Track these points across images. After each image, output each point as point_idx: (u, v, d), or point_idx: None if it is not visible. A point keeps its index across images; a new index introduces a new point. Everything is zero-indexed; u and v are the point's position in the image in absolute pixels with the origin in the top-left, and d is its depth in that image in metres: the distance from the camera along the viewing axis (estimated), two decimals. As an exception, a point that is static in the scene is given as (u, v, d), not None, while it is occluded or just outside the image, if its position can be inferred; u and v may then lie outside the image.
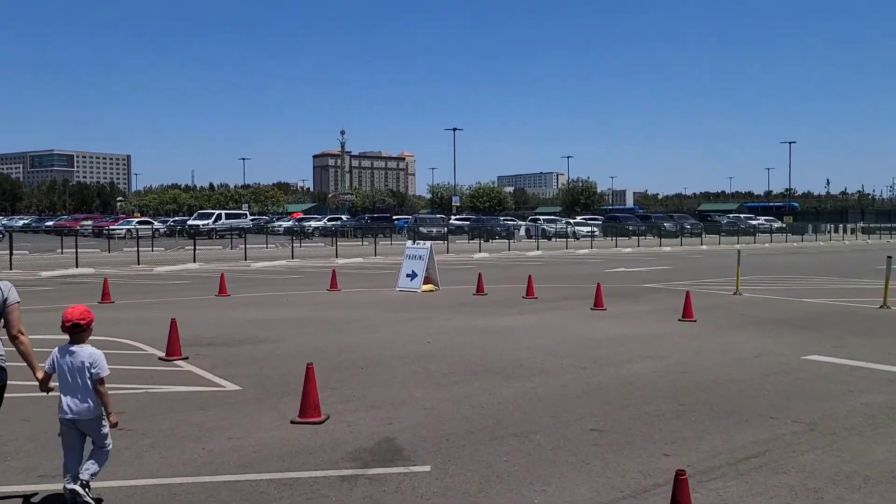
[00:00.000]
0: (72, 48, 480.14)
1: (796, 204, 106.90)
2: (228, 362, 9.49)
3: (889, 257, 15.63)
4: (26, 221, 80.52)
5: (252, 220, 69.94)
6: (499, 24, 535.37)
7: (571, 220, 63.16)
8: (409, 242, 19.13)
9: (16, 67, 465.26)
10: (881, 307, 14.89)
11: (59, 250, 33.13)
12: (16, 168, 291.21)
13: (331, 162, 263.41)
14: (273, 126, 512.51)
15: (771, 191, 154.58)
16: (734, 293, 17.45)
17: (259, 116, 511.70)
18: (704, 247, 44.58)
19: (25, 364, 4.75)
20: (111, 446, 4.89)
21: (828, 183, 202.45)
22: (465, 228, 56.26)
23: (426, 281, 18.08)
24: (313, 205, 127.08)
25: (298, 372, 8.73)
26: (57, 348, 4.74)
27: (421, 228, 49.42)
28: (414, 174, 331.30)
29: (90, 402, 4.65)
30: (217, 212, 62.15)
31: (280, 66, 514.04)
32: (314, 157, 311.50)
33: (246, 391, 8.03)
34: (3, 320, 4.65)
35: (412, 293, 17.59)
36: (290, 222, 64.47)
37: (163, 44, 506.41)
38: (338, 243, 34.87)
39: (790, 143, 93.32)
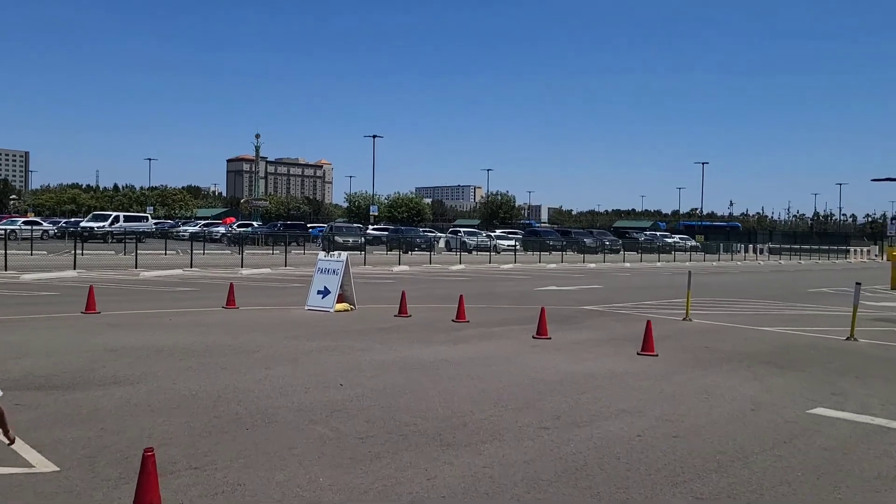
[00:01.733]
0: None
1: (738, 224, 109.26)
2: (58, 419, 6.77)
3: (858, 283, 14.22)
4: None
5: (155, 223, 65.24)
6: (420, 25, 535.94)
7: (492, 234, 61.66)
8: (321, 254, 16.50)
9: None
10: (848, 339, 13.40)
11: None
12: None
13: (245, 167, 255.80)
14: (186, 129, 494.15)
15: (678, 210, 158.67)
16: (684, 318, 15.74)
17: (171, 118, 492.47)
18: (627, 264, 43.68)
19: None
20: None
21: (731, 204, 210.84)
22: (384, 239, 53.76)
23: (340, 299, 15.56)
24: (224, 210, 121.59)
25: (153, 437, 6.15)
26: None
27: (337, 238, 46.69)
28: (331, 182, 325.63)
29: None
30: (114, 214, 57.36)
31: (195, 67, 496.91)
32: (228, 161, 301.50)
33: (66, 474, 5.39)
34: None
35: (324, 313, 15.05)
36: (224, 228, 59.69)
37: (71, 36, 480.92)
38: (244, 252, 31.74)
39: (703, 163, 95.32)
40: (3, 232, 46.64)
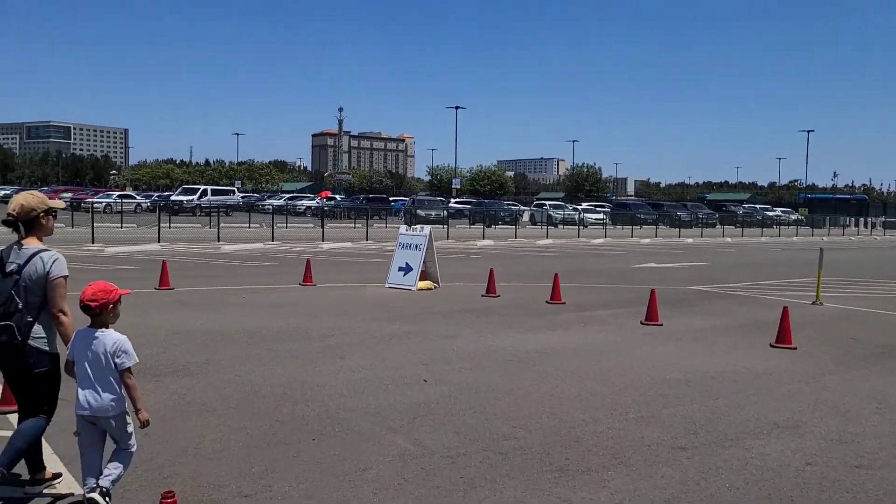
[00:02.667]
0: (74, 21, 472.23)
1: (865, 196, 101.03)
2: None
3: None
4: (7, 192, 76.46)
5: (242, 197, 66.07)
6: (503, 3, 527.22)
7: (578, 207, 59.37)
8: (403, 228, 15.31)
9: (16, 37, 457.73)
10: None
11: None
12: (11, 138, 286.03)
13: (329, 141, 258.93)
14: (273, 105, 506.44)
15: (776, 182, 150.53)
16: (813, 302, 13.75)
17: (259, 95, 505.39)
18: (728, 239, 40.86)
19: None
20: (136, 447, 4.10)
21: (835, 175, 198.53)
22: (466, 213, 52.49)
23: (423, 276, 14.36)
24: (309, 184, 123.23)
25: (201, 448, 5.05)
26: (76, 332, 3.93)
27: (419, 211, 45.69)
28: (413, 156, 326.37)
29: (113, 396, 3.87)
30: (203, 187, 58.26)
31: (281, 44, 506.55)
32: (313, 136, 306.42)
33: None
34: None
35: (405, 291, 13.89)
36: (316, 202, 59.68)
37: (165, 20, 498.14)
38: (325, 225, 31.07)
39: (808, 131, 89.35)
40: (104, 206, 48.40)
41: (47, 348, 4.04)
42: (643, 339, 9.84)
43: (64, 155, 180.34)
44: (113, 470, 3.93)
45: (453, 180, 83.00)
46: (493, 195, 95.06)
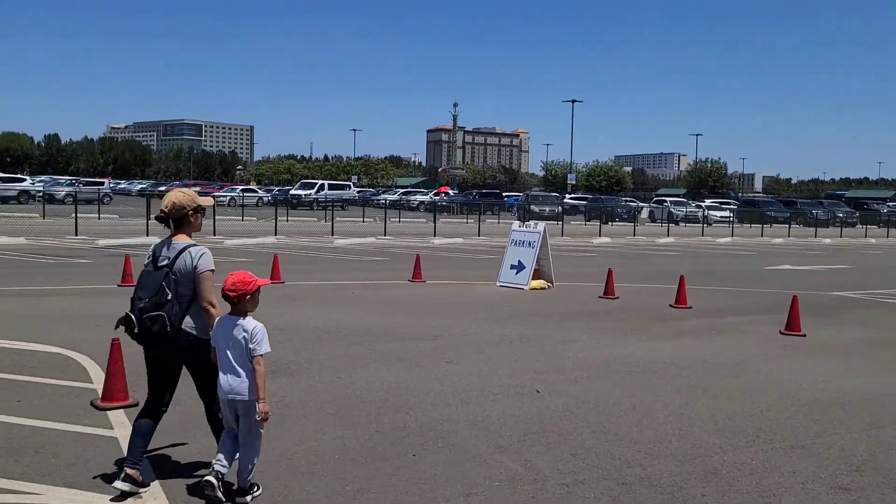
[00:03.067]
0: (209, 22, 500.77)
1: None
2: (190, 423, 5.54)
3: None
4: (143, 186, 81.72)
5: (358, 191, 67.39)
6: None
7: (702, 204, 56.51)
8: (516, 224, 14.68)
9: (156, 39, 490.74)
10: None
11: (149, 216, 31.05)
12: (150, 136, 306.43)
13: (444, 137, 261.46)
14: (390, 101, 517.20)
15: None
16: (985, 315, 12.02)
17: (377, 92, 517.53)
18: (872, 240, 37.49)
19: None
20: (261, 441, 4.18)
21: None
22: (582, 209, 51.13)
23: (536, 275, 13.69)
24: (423, 179, 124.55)
25: (294, 461, 4.67)
26: (218, 319, 4.11)
27: (532, 207, 44.82)
28: (527, 151, 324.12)
29: (250, 381, 4.04)
30: (320, 182, 59.82)
31: (399, 39, 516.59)
32: (428, 131, 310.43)
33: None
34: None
35: (517, 291, 13.27)
36: (431, 196, 59.98)
37: (285, 20, 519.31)
38: (437, 220, 30.89)
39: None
40: (228, 199, 50.68)
41: (199, 335, 4.19)
42: (784, 352, 8.77)
43: (195, 151, 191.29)
44: (241, 462, 4.12)
45: (568, 176, 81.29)
46: (610, 191, 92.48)
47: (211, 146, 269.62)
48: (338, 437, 5.29)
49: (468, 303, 11.80)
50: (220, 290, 4.13)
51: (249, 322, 4.10)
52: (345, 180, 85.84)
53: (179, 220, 4.24)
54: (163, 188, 70.20)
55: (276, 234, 24.89)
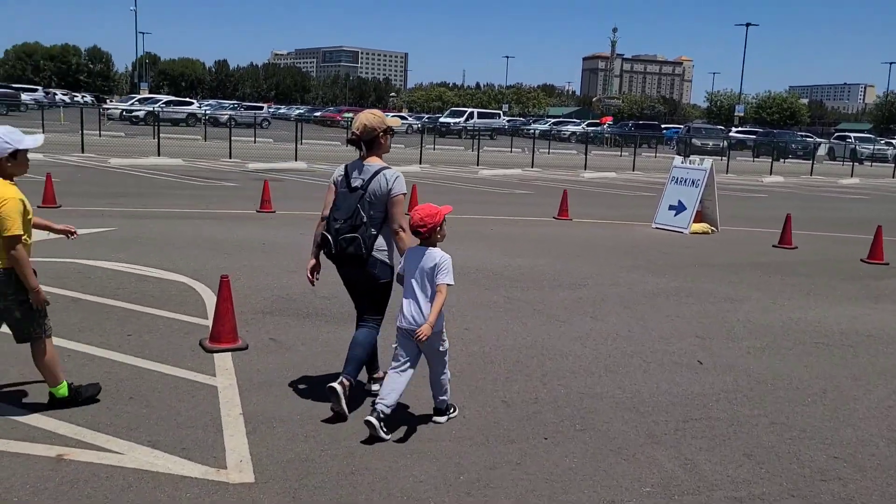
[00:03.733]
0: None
1: None
2: (293, 368, 5.00)
3: None
4: (301, 111, 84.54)
5: (508, 121, 65.95)
6: None
7: (893, 141, 50.27)
8: (677, 159, 13.10)
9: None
10: None
11: (300, 142, 31.77)
12: (310, 62, 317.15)
13: (600, 65, 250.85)
14: (545, 28, 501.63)
15: None
16: None
17: (531, 19, 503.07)
18: None
19: None
20: (448, 375, 4.23)
21: None
22: (750, 143, 46.94)
23: (698, 217, 12.19)
24: (576, 109, 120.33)
25: (403, 437, 3.94)
26: (408, 249, 4.14)
27: (694, 140, 41.63)
28: (690, 81, 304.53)
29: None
30: (469, 110, 58.90)
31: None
32: (584, 59, 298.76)
33: (262, 487, 3.45)
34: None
35: (675, 234, 11.88)
36: (599, 128, 57.53)
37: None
38: (589, 153, 29.21)
39: None
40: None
41: (388, 261, 4.24)
42: None
43: (351, 78, 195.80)
44: (435, 384, 4.20)
45: (736, 107, 75.01)
46: (783, 125, 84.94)
47: (366, 73, 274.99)
48: (459, 405, 4.53)
49: (618, 246, 10.62)
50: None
51: (436, 253, 4.05)
52: (496, 109, 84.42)
53: (370, 141, 4.22)
54: (317, 113, 72.24)
55: (420, 163, 24.43)
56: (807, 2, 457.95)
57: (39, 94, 57.62)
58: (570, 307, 7.00)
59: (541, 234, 11.39)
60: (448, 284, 4.02)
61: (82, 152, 21.02)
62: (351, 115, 65.53)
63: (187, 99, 55.30)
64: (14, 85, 58.09)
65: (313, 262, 4.38)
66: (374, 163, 4.23)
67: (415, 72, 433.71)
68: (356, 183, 4.16)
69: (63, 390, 4.07)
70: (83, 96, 71.80)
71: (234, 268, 7.61)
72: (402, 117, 60.67)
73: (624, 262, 9.26)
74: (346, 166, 4.27)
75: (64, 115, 38.45)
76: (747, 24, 72.73)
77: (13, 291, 3.82)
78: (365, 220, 4.08)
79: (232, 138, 24.53)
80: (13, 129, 3.82)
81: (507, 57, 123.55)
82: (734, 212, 14.76)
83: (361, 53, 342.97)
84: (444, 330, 4.16)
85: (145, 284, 6.85)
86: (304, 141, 32.91)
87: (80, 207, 11.14)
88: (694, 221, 12.06)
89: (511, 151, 35.33)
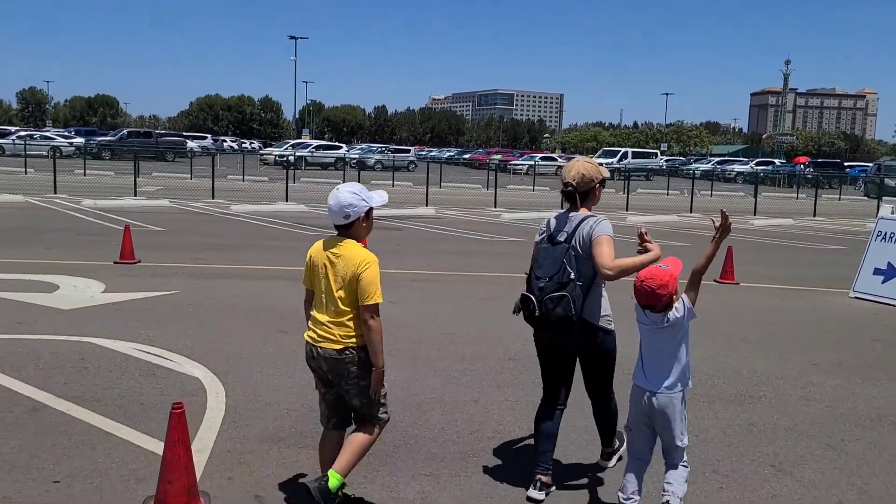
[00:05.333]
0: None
1: None
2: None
3: None
4: (452, 153, 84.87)
5: (666, 160, 62.11)
6: None
7: None
8: (885, 209, 10.02)
9: (470, 16, 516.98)
10: None
11: (438, 185, 30.72)
12: (466, 106, 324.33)
13: (771, 100, 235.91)
14: (707, 63, 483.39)
15: None
16: None
17: (693, 53, 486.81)
18: None
19: None
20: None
21: None
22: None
23: (917, 286, 9.11)
24: (743, 147, 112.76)
25: None
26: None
27: (888, 181, 36.15)
28: (875, 115, 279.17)
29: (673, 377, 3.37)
30: (623, 150, 55.92)
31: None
32: (752, 94, 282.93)
33: None
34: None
35: (884, 307, 8.90)
36: (797, 167, 51.96)
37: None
38: (759, 195, 25.63)
39: None
40: (527, 168, 49.45)
41: (601, 324, 3.72)
42: None
43: (505, 120, 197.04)
44: (673, 487, 3.37)
45: (933, 142, 66.03)
46: None
47: (521, 115, 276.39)
48: None
49: (805, 327, 7.88)
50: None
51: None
52: (654, 148, 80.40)
53: (586, 192, 3.82)
54: (467, 156, 71.86)
55: (561, 207, 22.24)
56: None
57: (208, 142, 61.49)
58: (738, 438, 4.58)
59: (698, 306, 8.83)
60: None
61: (213, 198, 20.77)
62: (499, 156, 64.50)
63: (336, 143, 56.51)
64: (185, 133, 62.39)
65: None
66: (579, 213, 3.77)
67: (570, 112, 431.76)
68: (561, 237, 3.72)
69: (335, 482, 3.33)
70: (251, 143, 76.22)
71: (275, 355, 5.89)
72: (552, 158, 58.67)
73: (816, 356, 6.60)
74: (548, 220, 3.90)
75: (220, 162, 39.96)
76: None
77: (358, 374, 3.32)
78: (573, 276, 3.61)
79: (372, 182, 23.63)
80: (364, 188, 3.37)
81: (667, 94, 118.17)
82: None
83: (516, 95, 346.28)
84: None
85: (147, 383, 5.23)
86: (443, 184, 31.80)
87: (160, 263, 10.02)
88: (911, 291, 9.01)
89: (668, 194, 32.19)
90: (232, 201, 20.00)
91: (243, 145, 68.93)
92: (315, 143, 52.74)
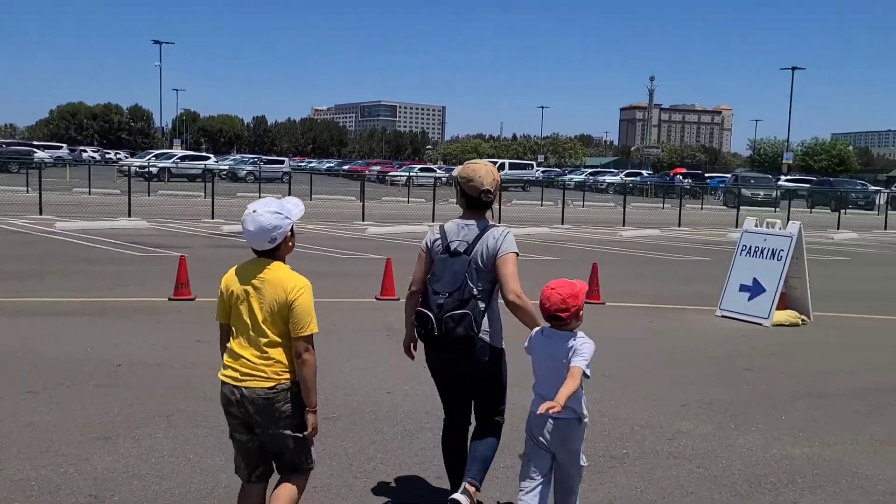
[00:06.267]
0: (407, 8, 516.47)
1: None
2: None
3: None
4: (331, 165, 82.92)
5: (542, 172, 63.18)
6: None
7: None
8: (749, 221, 9.61)
9: (355, 26, 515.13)
10: None
11: (309, 197, 29.22)
12: (349, 117, 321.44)
13: (638, 115, 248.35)
14: (582, 79, 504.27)
15: None
16: None
17: (568, 69, 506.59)
18: None
19: None
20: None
21: None
22: (803, 193, 43.02)
23: (782, 302, 8.75)
24: (614, 159, 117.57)
25: None
26: (535, 332, 3.41)
27: (744, 191, 37.87)
28: (730, 129, 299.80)
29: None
30: (500, 161, 56.28)
31: (590, 13, 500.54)
32: (621, 109, 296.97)
33: None
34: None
35: (751, 327, 8.46)
36: (674, 179, 52.48)
37: (479, 9, 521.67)
38: (628, 205, 25.82)
39: None
40: (405, 179, 48.56)
41: (493, 343, 3.46)
42: None
43: (388, 131, 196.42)
44: None
45: (784, 154, 71.06)
46: (831, 172, 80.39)
47: (405, 127, 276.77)
48: None
49: (669, 355, 7.22)
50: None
51: (578, 337, 3.24)
52: (531, 159, 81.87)
53: (490, 200, 3.50)
54: (346, 167, 70.25)
55: (433, 220, 21.37)
56: (845, 51, 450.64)
57: (63, 152, 56.62)
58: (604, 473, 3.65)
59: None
60: (585, 373, 3.14)
61: (40, 214, 18.41)
62: (378, 167, 63.35)
63: (204, 153, 53.57)
64: (35, 143, 57.28)
65: (411, 342, 3.56)
66: (478, 221, 3.47)
67: (453, 124, 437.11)
68: (459, 247, 3.40)
69: None
70: (116, 154, 71.10)
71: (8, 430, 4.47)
72: (431, 169, 58.22)
73: (686, 394, 5.87)
74: (441, 227, 3.53)
75: (71, 174, 36.66)
76: (793, 68, 69.30)
77: (291, 413, 2.90)
78: (475, 292, 3.32)
79: (238, 194, 21.83)
80: (281, 202, 2.97)
81: (542, 107, 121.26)
82: (818, 284, 11.17)
83: (400, 108, 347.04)
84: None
85: None
86: (314, 196, 30.32)
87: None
88: (777, 307, 8.61)
89: (542, 205, 32.16)
90: (64, 217, 17.75)
91: (107, 156, 64.25)
92: (181, 152, 49.69)
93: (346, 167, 70.77)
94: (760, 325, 8.52)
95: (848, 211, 35.56)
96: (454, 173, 3.33)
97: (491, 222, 3.52)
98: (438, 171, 58.67)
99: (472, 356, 3.40)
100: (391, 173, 52.00)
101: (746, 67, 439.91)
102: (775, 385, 6.19)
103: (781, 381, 6.32)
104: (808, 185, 46.54)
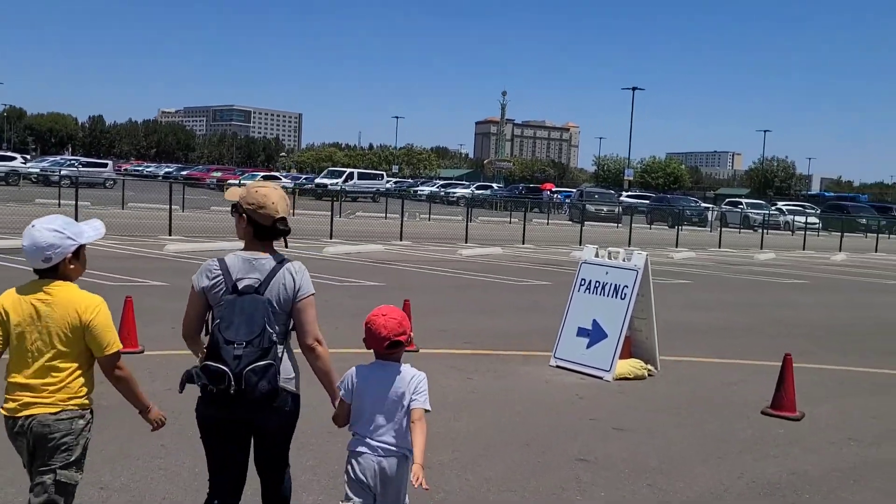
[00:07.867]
0: (263, 12, 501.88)
1: None
2: None
3: None
4: (170, 170, 77.16)
5: (396, 182, 61.64)
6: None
7: (782, 207, 49.13)
8: (588, 251, 8.07)
9: (213, 28, 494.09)
10: None
11: (121, 206, 25.74)
12: (199, 121, 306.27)
13: (492, 129, 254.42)
14: (439, 92, 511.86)
15: None
16: None
17: (426, 82, 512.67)
18: None
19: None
20: None
21: None
22: (643, 209, 44.15)
23: (626, 350, 7.27)
24: (468, 171, 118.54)
25: None
26: (359, 367, 3.11)
27: (588, 206, 38.02)
28: (577, 146, 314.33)
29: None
30: (349, 170, 54.10)
31: (449, 28, 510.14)
32: (477, 123, 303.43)
33: None
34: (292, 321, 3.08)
35: (590, 383, 6.90)
36: (544, 194, 50.81)
37: (338, 13, 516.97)
38: (474, 219, 24.52)
39: None
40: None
41: (295, 389, 3.12)
42: None
43: (239, 136, 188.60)
44: None
45: (625, 171, 73.94)
46: (667, 189, 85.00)
47: (259, 133, 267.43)
48: None
49: (482, 437, 5.45)
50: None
51: (409, 371, 3.05)
52: (386, 170, 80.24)
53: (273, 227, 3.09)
54: (184, 173, 65.33)
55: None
56: (679, 76, 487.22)
57: None
58: None
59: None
60: (426, 410, 3.01)
61: None
62: (219, 173, 59.19)
63: (10, 153, 47.43)
64: None
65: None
66: (271, 254, 3.05)
67: (311, 132, 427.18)
68: (250, 285, 2.96)
69: None
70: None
71: None
72: (276, 177, 55.04)
73: (506, 498, 4.07)
74: (221, 261, 3.02)
75: None
76: (633, 88, 72.33)
77: (74, 443, 2.81)
78: (275, 338, 2.93)
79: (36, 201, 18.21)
80: (71, 221, 2.82)
81: (397, 117, 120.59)
82: (663, 315, 9.93)
83: (254, 113, 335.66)
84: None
85: None
86: (128, 205, 26.76)
87: None
88: (620, 356, 7.12)
89: (386, 218, 30.33)
90: None
91: None
92: (-21, 152, 43.56)
93: (184, 173, 65.82)
94: (601, 378, 6.99)
95: (683, 227, 36.56)
96: (234, 197, 2.97)
97: (283, 254, 3.11)
98: (284, 179, 55.62)
99: (273, 409, 3.00)
100: (232, 181, 48.49)
101: (593, 86, 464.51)
102: (616, 491, 4.54)
103: (624, 483, 4.68)
104: (647, 202, 47.88)
